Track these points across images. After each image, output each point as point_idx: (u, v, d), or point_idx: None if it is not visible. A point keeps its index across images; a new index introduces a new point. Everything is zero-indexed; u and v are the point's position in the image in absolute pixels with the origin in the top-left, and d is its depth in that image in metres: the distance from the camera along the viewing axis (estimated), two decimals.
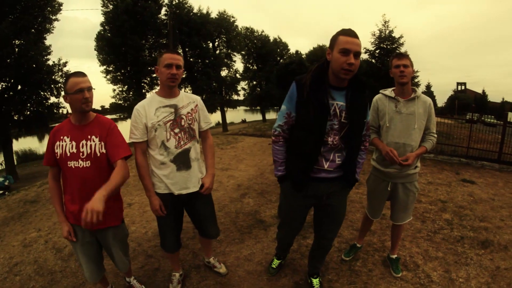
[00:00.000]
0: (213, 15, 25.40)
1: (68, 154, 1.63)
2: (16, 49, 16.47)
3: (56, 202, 1.75)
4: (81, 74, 1.60)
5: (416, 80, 11.79)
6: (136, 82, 21.38)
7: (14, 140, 19.61)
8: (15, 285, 2.68)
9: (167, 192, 1.88)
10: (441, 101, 53.79)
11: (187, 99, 1.91)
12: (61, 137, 1.65)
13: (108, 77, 21.29)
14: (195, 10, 23.91)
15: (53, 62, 18.73)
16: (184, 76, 24.91)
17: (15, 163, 20.50)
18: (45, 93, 18.17)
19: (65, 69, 19.09)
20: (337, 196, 1.77)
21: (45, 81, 17.42)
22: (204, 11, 24.53)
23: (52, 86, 18.38)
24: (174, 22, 21.36)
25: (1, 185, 14.88)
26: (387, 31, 10.48)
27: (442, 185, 4.34)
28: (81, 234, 1.75)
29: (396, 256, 2.43)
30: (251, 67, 32.85)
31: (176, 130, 1.84)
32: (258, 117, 41.08)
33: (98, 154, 1.65)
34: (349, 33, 1.45)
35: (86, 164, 1.63)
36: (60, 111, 20.13)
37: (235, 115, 47.75)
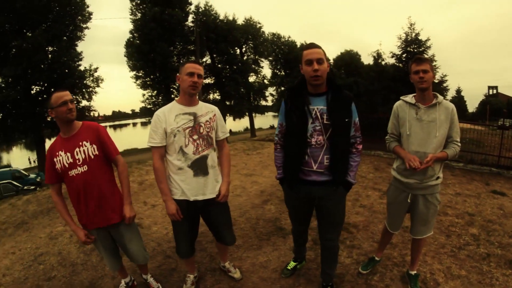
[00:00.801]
0: (239, 21, 26.07)
1: (67, 166, 1.80)
2: (49, 56, 17.90)
3: (65, 214, 1.90)
4: (62, 89, 1.80)
5: (444, 85, 11.33)
6: (164, 88, 22.29)
7: (47, 140, 20.93)
8: (39, 273, 2.87)
9: (183, 198, 1.94)
10: (472, 106, 50.41)
11: (206, 108, 2.00)
12: (57, 153, 1.81)
13: (138, 82, 22.45)
14: (221, 17, 24.62)
15: (85, 67, 20.10)
16: (212, 82, 25.78)
17: None
18: (77, 97, 19.39)
19: (96, 74, 20.44)
20: (330, 199, 1.86)
21: (77, 85, 18.68)
22: (230, 18, 25.21)
23: (84, 90, 19.70)
24: (201, 29, 22.15)
25: (33, 181, 16.01)
26: (413, 34, 10.22)
27: (470, 197, 4.12)
28: (95, 232, 1.93)
29: (415, 272, 2.31)
30: (278, 72, 33.28)
31: (195, 137, 1.92)
32: None
33: (92, 157, 1.82)
34: (309, 46, 1.72)
35: (84, 169, 1.80)
36: (92, 113, 21.47)
37: (263, 121, 48.08)
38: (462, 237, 3.02)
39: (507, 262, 2.58)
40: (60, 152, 1.79)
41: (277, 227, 3.36)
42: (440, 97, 1.97)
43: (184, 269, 2.54)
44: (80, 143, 1.80)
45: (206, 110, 1.99)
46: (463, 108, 42.91)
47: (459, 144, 2.00)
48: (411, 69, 1.97)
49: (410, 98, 2.05)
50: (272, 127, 36.49)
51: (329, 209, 1.89)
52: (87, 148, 1.80)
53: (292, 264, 2.42)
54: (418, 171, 1.93)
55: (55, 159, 1.80)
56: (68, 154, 1.78)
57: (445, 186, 4.47)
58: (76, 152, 1.79)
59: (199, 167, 1.93)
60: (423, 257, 2.61)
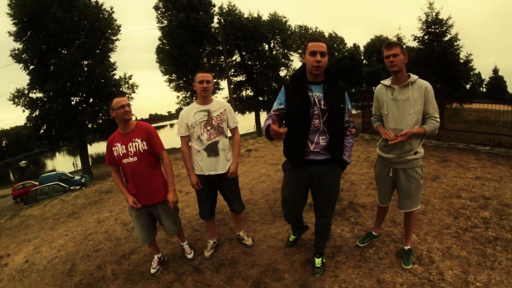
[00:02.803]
0: (264, 17, 26.69)
1: (121, 155, 2.38)
2: (85, 69, 20.18)
3: (121, 185, 2.51)
4: (121, 95, 2.38)
5: (470, 65, 10.68)
6: None
7: (88, 145, 23.17)
8: (88, 247, 3.66)
9: (200, 173, 2.60)
10: None
11: (218, 105, 2.60)
12: (115, 144, 2.40)
13: (171, 85, 24.20)
14: (245, 15, 25.40)
15: (119, 76, 22.24)
16: (243, 79, 27.23)
17: (90, 164, 24.34)
18: None
19: (130, 81, 22.38)
20: (327, 176, 2.12)
21: (113, 93, 20.67)
22: (255, 15, 25.91)
23: None
24: (228, 29, 23.06)
25: (78, 182, 17.95)
26: (434, 14, 9.85)
27: (491, 181, 4.10)
28: (136, 208, 2.50)
29: (409, 247, 2.45)
30: None
31: (208, 128, 2.55)
32: None
33: (142, 151, 2.38)
34: (314, 39, 1.96)
35: (134, 159, 2.37)
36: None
37: None
38: (471, 220, 3.01)
39: None
40: (117, 143, 2.39)
41: None
42: (414, 77, 2.15)
43: (207, 239, 3.07)
44: (133, 139, 2.37)
45: (218, 107, 2.59)
46: (502, 89, 38.62)
47: (438, 119, 2.14)
48: (383, 54, 2.15)
49: (387, 81, 2.27)
50: None
51: (325, 186, 2.14)
52: (138, 144, 2.37)
53: (292, 237, 2.79)
54: (396, 146, 2.16)
55: (113, 148, 2.40)
56: (123, 146, 2.37)
57: (465, 170, 4.50)
58: (129, 145, 2.36)
59: (212, 150, 2.55)
60: (423, 235, 2.75)
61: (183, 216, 3.95)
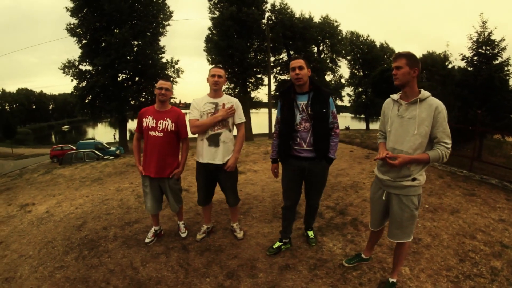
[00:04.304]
0: (316, 19, 26.59)
1: (150, 127, 2.75)
2: (135, 49, 21.69)
3: (137, 154, 2.97)
4: (166, 79, 2.81)
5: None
6: (242, 82, 24.41)
7: (130, 121, 24.84)
8: (102, 209, 4.12)
9: (201, 161, 2.82)
10: None
11: (227, 100, 2.80)
12: (147, 116, 2.79)
13: None
14: (297, 15, 25.46)
15: (166, 60, 23.54)
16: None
17: (128, 138, 26.15)
18: None
19: (176, 66, 23.61)
20: (316, 170, 2.57)
21: (159, 75, 22.07)
22: (307, 16, 25.89)
23: None
24: (277, 27, 23.27)
25: (113, 153, 19.45)
26: (486, 33, 9.08)
27: None
28: (148, 180, 2.86)
29: (394, 280, 2.30)
30: (357, 73, 33.14)
31: None
32: (362, 125, 39.97)
33: (169, 130, 2.75)
34: (293, 58, 2.49)
35: (160, 134, 2.74)
36: (172, 101, 24.82)
37: (340, 121, 47.44)
38: (477, 267, 2.73)
39: None
40: (149, 116, 2.77)
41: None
42: (425, 94, 1.95)
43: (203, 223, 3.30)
44: (165, 118, 2.76)
45: (226, 101, 2.79)
46: None
47: (448, 146, 1.91)
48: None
49: (396, 95, 2.11)
50: (347, 128, 34.97)
51: (315, 178, 2.62)
52: (168, 123, 2.75)
53: (277, 244, 2.88)
54: (392, 168, 2.01)
55: (144, 119, 2.79)
56: (154, 120, 2.75)
57: (490, 209, 4.21)
58: (160, 122, 2.74)
59: (213, 140, 2.76)
60: (418, 272, 2.58)
61: (191, 200, 4.27)
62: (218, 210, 3.84)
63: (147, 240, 3.00)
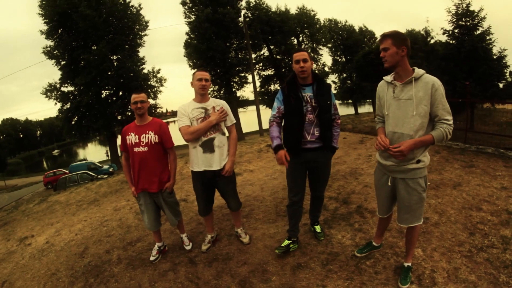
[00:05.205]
0: (292, 11, 26.60)
1: (133, 143, 2.66)
2: (115, 63, 21.37)
3: (127, 174, 2.84)
4: (138, 91, 2.67)
5: (504, 61, 9.75)
6: (226, 83, 24.18)
7: (119, 136, 24.56)
8: (102, 232, 4.01)
9: (197, 170, 2.71)
10: None
11: (215, 103, 2.72)
12: (129, 133, 2.70)
13: None
14: (273, 9, 25.41)
15: (148, 70, 23.23)
16: (272, 73, 27.62)
17: (119, 154, 25.86)
18: None
19: (159, 75, 23.39)
20: (320, 161, 2.59)
21: (142, 87, 21.78)
22: (283, 9, 25.84)
23: (149, 90, 22.66)
24: (255, 23, 23.13)
25: (106, 171, 19.25)
26: (464, 5, 9.17)
27: None
28: (143, 198, 2.79)
29: (409, 264, 2.26)
30: (339, 59, 33.37)
31: None
32: (350, 111, 40.26)
33: (153, 143, 2.66)
34: (297, 50, 2.43)
35: (144, 149, 2.65)
36: (159, 110, 24.62)
37: None
38: (488, 238, 2.73)
39: None
40: (131, 133, 2.69)
41: None
42: (419, 72, 1.88)
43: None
44: (147, 131, 2.67)
45: (214, 105, 2.71)
46: None
47: (450, 122, 1.85)
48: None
49: (389, 76, 2.02)
50: None
51: (320, 168, 2.63)
52: (151, 136, 2.66)
53: (286, 242, 2.78)
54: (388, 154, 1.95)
55: (127, 137, 2.71)
56: (137, 136, 2.66)
57: (491, 178, 4.23)
58: (142, 136, 2.66)
59: (207, 146, 2.66)
60: (431, 251, 2.56)
61: (191, 209, 4.18)
62: (220, 217, 3.77)
63: (152, 258, 2.91)
